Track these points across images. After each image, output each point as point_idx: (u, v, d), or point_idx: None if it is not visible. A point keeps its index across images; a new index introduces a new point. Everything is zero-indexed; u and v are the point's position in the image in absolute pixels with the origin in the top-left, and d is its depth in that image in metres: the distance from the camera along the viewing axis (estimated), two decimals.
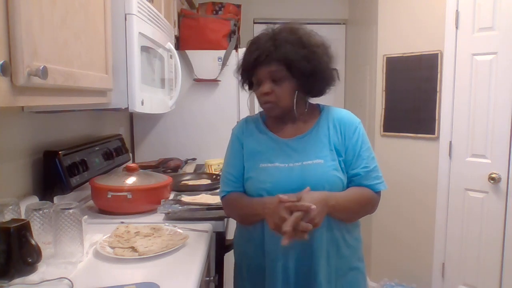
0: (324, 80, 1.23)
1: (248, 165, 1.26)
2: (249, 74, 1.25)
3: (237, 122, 1.39)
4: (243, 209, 1.25)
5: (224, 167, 1.34)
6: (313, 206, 1.04)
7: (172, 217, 1.51)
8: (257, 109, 2.74)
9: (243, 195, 1.27)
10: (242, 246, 1.32)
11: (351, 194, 1.21)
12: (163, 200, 1.60)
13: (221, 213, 1.47)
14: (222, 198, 1.32)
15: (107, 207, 1.58)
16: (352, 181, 1.23)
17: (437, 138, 2.58)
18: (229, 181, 1.29)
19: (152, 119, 2.59)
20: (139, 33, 1.45)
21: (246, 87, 1.32)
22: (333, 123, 1.26)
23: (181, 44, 2.60)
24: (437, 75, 2.56)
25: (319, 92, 1.26)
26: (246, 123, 1.35)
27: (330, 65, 1.22)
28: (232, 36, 2.62)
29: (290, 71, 1.17)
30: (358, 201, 1.21)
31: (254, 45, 1.21)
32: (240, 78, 1.30)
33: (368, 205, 1.24)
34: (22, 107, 1.32)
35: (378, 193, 1.25)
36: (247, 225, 1.28)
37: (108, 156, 1.92)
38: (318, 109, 1.31)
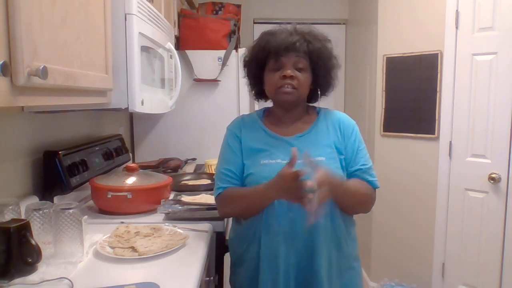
0: (333, 82, 1.30)
1: (248, 162, 1.26)
2: (264, 59, 1.25)
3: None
4: (245, 200, 1.24)
5: (220, 164, 1.31)
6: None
7: (172, 217, 1.51)
8: (257, 106, 2.73)
9: (241, 187, 1.26)
10: (238, 247, 1.31)
11: (357, 182, 1.25)
12: (163, 200, 1.60)
13: None
14: (218, 195, 1.28)
15: (107, 207, 1.59)
16: (353, 176, 1.26)
17: (437, 138, 2.58)
18: (227, 177, 1.27)
19: (152, 119, 2.59)
20: (139, 33, 1.45)
21: (247, 78, 1.34)
22: (332, 123, 1.30)
23: (181, 44, 2.60)
24: (437, 75, 2.56)
25: (323, 93, 1.32)
26: (242, 120, 1.35)
27: (338, 68, 1.31)
28: (232, 36, 2.62)
29: (312, 65, 1.23)
30: (363, 190, 1.25)
31: (279, 35, 1.22)
32: (248, 63, 1.30)
33: (369, 199, 1.28)
34: (22, 107, 1.32)
35: (374, 190, 1.29)
36: (249, 216, 1.26)
37: (108, 156, 1.92)
38: (315, 110, 1.35)
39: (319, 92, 1.31)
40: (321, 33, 1.28)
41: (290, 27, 1.25)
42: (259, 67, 1.27)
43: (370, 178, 1.27)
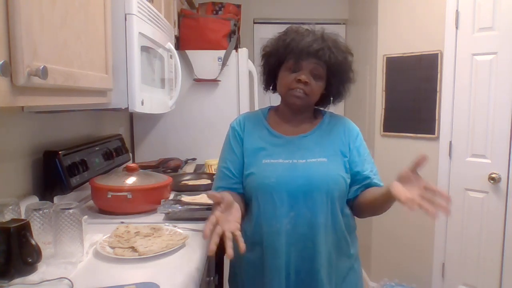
0: (344, 94, 1.29)
1: (249, 161, 1.26)
2: (284, 56, 1.23)
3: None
4: None
5: (220, 162, 1.32)
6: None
7: (172, 217, 1.51)
8: (257, 106, 2.74)
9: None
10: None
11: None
12: (163, 200, 1.60)
13: None
14: None
15: (107, 207, 1.58)
16: (364, 180, 1.26)
17: (437, 138, 2.58)
18: (224, 176, 1.28)
19: (152, 119, 2.58)
20: (139, 33, 1.45)
21: (264, 69, 1.33)
22: (336, 126, 1.30)
23: (181, 44, 2.60)
24: (437, 75, 2.56)
25: (333, 102, 1.32)
26: (246, 119, 1.34)
27: (353, 82, 1.30)
28: (232, 36, 2.62)
29: (329, 75, 1.22)
30: None
31: (305, 36, 1.20)
32: (266, 56, 1.29)
33: None
34: (22, 107, 1.32)
35: None
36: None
37: (108, 156, 1.92)
38: (321, 113, 1.35)
39: (331, 99, 1.31)
40: (346, 44, 1.27)
41: (318, 30, 1.23)
42: (277, 62, 1.26)
43: (379, 183, 1.27)
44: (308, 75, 1.20)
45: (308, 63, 1.19)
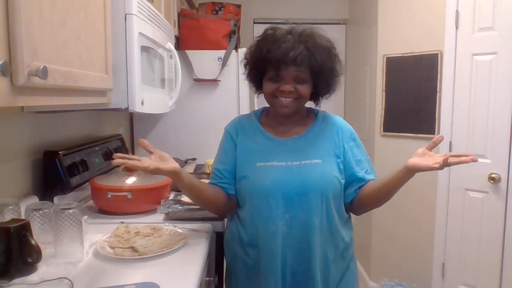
0: (333, 88, 1.28)
1: (243, 164, 1.26)
2: (265, 67, 1.21)
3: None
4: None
5: (213, 162, 1.34)
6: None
7: (172, 217, 1.51)
8: (257, 106, 2.73)
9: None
10: (234, 248, 1.31)
11: None
12: (163, 200, 1.60)
13: None
14: None
15: (107, 207, 1.59)
16: (357, 183, 1.26)
17: None
18: (215, 176, 1.30)
19: (152, 119, 2.59)
20: (139, 33, 1.45)
21: (248, 80, 1.32)
22: (329, 126, 1.30)
23: (181, 44, 2.60)
24: (437, 75, 2.56)
25: (323, 97, 1.31)
26: (240, 122, 1.35)
27: (340, 75, 1.27)
28: (232, 36, 2.62)
29: (313, 76, 1.20)
30: None
31: (281, 43, 1.16)
32: (248, 67, 1.28)
33: None
34: (22, 107, 1.32)
35: None
36: (203, 206, 1.33)
37: (108, 156, 1.92)
38: (313, 113, 1.35)
39: (320, 98, 1.31)
40: (326, 39, 1.23)
41: (295, 32, 1.19)
42: (259, 74, 1.26)
43: (376, 179, 1.28)
44: (291, 82, 1.19)
45: (289, 72, 1.17)
